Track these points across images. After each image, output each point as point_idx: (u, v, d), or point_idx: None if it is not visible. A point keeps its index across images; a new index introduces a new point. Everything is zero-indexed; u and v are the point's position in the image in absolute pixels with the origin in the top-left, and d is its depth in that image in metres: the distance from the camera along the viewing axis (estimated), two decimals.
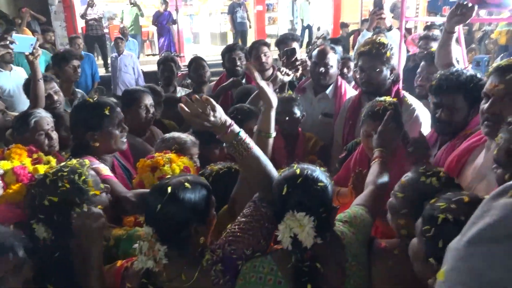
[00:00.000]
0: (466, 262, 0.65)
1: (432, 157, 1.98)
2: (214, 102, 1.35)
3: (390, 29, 3.68)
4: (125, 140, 2.06)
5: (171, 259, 1.28)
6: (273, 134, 1.57)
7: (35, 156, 1.81)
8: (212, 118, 1.34)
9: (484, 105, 1.55)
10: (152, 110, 2.61)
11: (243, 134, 1.40)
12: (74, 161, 1.61)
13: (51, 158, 1.86)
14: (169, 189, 1.27)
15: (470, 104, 1.84)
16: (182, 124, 2.93)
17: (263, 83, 1.57)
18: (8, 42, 2.45)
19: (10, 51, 2.54)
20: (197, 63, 3.82)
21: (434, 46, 3.52)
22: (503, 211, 0.64)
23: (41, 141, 2.27)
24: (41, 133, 2.28)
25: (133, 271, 1.35)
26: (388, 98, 2.00)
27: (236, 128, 1.40)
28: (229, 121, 1.39)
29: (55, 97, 2.92)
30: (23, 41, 2.61)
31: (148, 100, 2.61)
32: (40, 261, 1.38)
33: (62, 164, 1.60)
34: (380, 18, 3.37)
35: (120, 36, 7.61)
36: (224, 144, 1.60)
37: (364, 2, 13.15)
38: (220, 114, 1.36)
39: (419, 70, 2.97)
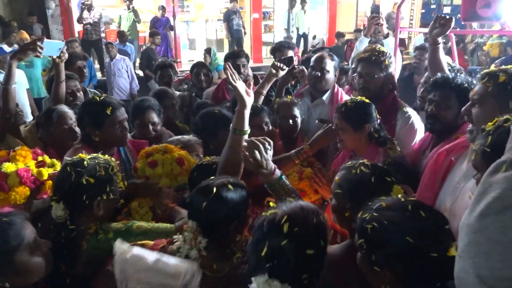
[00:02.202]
0: (482, 233, 0.71)
1: (424, 159, 2.07)
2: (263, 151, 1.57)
3: (386, 36, 3.76)
4: (124, 137, 2.17)
5: (209, 251, 1.37)
6: (248, 131, 1.69)
7: (40, 159, 1.86)
8: (264, 171, 1.59)
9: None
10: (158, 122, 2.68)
11: (284, 178, 1.63)
12: (106, 156, 1.75)
13: (55, 161, 1.92)
14: (214, 189, 1.37)
15: (461, 106, 1.92)
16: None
17: (239, 84, 1.69)
18: (38, 48, 2.53)
19: (39, 55, 2.61)
20: (199, 68, 3.88)
21: None
22: (505, 184, 0.72)
23: (65, 135, 2.41)
24: (65, 127, 2.41)
25: (171, 250, 1.42)
26: (361, 99, 2.16)
27: (278, 172, 1.63)
28: (273, 166, 1.61)
29: (78, 94, 3.03)
30: (52, 46, 2.72)
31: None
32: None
33: (94, 154, 1.72)
34: (378, 24, 3.44)
35: (110, 41, 7.66)
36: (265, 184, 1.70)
37: (359, 12, 13.36)
38: (269, 163, 1.58)
39: (422, 80, 2.97)
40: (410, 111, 2.49)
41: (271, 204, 1.35)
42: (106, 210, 1.66)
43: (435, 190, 1.77)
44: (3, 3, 10.95)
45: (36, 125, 2.59)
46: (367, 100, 2.17)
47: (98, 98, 2.14)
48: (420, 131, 2.42)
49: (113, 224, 1.68)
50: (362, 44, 3.55)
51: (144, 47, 9.55)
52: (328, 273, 1.34)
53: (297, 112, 2.67)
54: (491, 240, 0.69)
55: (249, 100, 1.70)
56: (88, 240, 1.59)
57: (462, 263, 0.74)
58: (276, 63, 2.71)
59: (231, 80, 1.70)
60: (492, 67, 1.69)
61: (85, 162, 1.62)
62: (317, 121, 2.93)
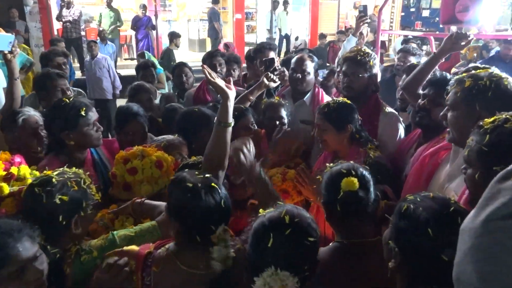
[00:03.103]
0: (486, 237, 0.71)
1: (410, 157, 2.11)
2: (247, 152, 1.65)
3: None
4: (100, 137, 2.12)
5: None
6: (232, 123, 1.72)
7: (12, 170, 1.72)
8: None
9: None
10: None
11: (263, 174, 1.68)
12: (73, 169, 1.62)
13: (27, 174, 1.77)
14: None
15: None
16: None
17: (218, 80, 1.74)
18: None
19: None
20: (180, 69, 3.82)
21: (412, 60, 3.65)
22: None
23: (31, 139, 2.28)
24: (30, 131, 2.28)
25: (159, 256, 1.39)
26: (344, 100, 2.20)
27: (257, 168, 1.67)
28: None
29: (68, 93, 2.90)
30: (2, 39, 2.57)
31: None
32: None
33: (60, 169, 1.58)
34: (365, 22, 3.47)
35: (93, 39, 7.51)
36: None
37: (341, 14, 13.49)
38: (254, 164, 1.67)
39: (400, 83, 3.00)
40: (392, 112, 2.53)
41: (261, 210, 1.32)
42: (84, 227, 1.55)
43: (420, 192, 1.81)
44: None
45: (1, 128, 2.44)
46: (348, 101, 2.20)
47: (67, 100, 2.06)
48: (402, 131, 2.47)
49: (93, 242, 1.57)
50: (350, 43, 3.57)
51: (125, 46, 9.41)
52: (317, 276, 1.36)
53: (284, 113, 2.68)
54: (496, 245, 0.69)
55: (231, 93, 1.73)
56: (71, 264, 1.47)
57: (463, 266, 0.74)
58: (270, 75, 2.71)
59: (210, 78, 1.73)
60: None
61: (54, 179, 1.47)
62: (299, 122, 2.95)
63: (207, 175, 1.45)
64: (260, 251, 1.17)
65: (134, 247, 1.44)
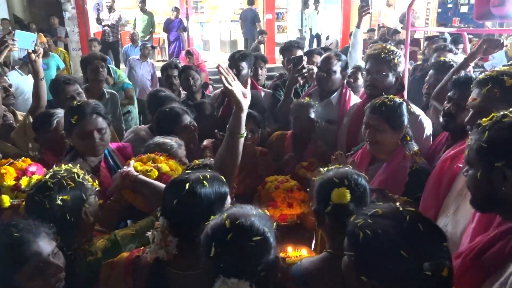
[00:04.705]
0: None
1: (437, 161, 2.02)
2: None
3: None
4: (95, 148, 2.05)
5: (181, 250, 1.32)
6: (244, 134, 1.68)
7: (22, 181, 1.72)
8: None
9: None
10: None
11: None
12: (63, 166, 1.64)
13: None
14: (187, 184, 1.31)
15: None
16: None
17: (234, 86, 1.64)
18: (10, 41, 2.51)
19: (15, 48, 2.58)
20: (186, 72, 3.81)
21: (450, 56, 3.53)
22: None
23: (61, 140, 2.35)
24: (63, 133, 2.33)
25: (144, 260, 1.39)
26: (395, 97, 2.08)
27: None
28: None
29: (78, 99, 2.93)
30: (25, 37, 2.65)
31: None
32: None
33: (50, 171, 1.60)
34: (367, 13, 3.40)
35: (148, 43, 7.76)
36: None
37: (374, 12, 13.20)
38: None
39: (427, 78, 2.95)
40: (418, 111, 2.46)
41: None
42: (94, 215, 1.60)
43: (439, 197, 1.74)
44: (23, 6, 11.23)
45: (33, 127, 2.52)
46: (401, 99, 2.10)
47: (74, 103, 2.09)
48: (428, 130, 2.39)
49: (98, 243, 1.60)
50: (356, 36, 3.51)
51: (158, 48, 9.61)
52: (303, 285, 1.35)
53: (312, 114, 2.67)
54: None
55: (246, 103, 1.68)
56: (79, 265, 1.50)
57: None
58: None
59: (226, 83, 1.64)
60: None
61: (49, 183, 1.48)
62: (324, 122, 2.92)
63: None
64: (208, 261, 1.13)
65: (123, 255, 1.46)
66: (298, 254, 1.83)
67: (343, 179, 1.37)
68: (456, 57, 3.51)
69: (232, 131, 1.67)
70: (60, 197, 1.47)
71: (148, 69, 6.95)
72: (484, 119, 1.20)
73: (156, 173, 1.82)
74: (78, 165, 1.68)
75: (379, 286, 1.02)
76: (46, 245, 1.31)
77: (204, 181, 1.32)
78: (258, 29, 10.45)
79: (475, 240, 1.30)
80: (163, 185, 1.64)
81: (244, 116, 1.67)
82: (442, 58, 3.06)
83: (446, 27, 7.79)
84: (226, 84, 1.64)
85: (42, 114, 2.51)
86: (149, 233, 1.37)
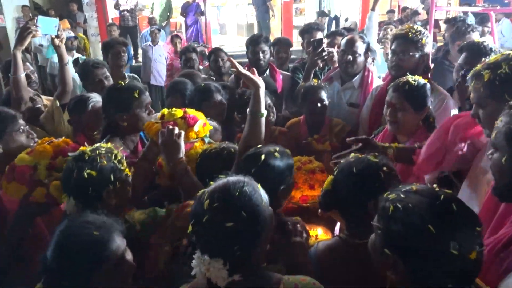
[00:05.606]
0: None
1: None
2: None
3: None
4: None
5: None
6: (265, 113, 1.76)
7: (58, 160, 1.79)
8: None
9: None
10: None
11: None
12: (108, 144, 1.72)
13: None
14: (263, 156, 1.50)
15: None
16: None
17: (245, 72, 1.75)
18: (33, 27, 2.54)
19: (39, 35, 2.62)
20: (216, 54, 3.86)
21: (474, 36, 3.41)
22: None
23: (95, 123, 2.41)
24: (96, 116, 2.41)
25: None
26: (420, 78, 2.05)
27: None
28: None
29: (106, 82, 3.02)
30: (47, 22, 2.68)
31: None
32: None
33: (97, 144, 1.69)
34: None
35: (157, 27, 7.78)
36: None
37: None
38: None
39: (457, 63, 2.64)
40: (444, 92, 2.42)
41: None
42: (119, 198, 1.65)
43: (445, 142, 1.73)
44: None
45: (68, 110, 2.62)
46: (426, 80, 2.08)
47: (122, 83, 2.15)
48: (455, 112, 2.33)
49: (136, 214, 1.67)
50: (372, 19, 3.43)
51: (175, 33, 9.60)
52: (317, 267, 1.40)
53: (324, 95, 2.65)
54: None
55: (261, 82, 1.75)
56: None
57: None
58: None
59: (239, 70, 1.75)
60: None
61: (86, 156, 1.60)
62: (346, 105, 2.89)
63: None
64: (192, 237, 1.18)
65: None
66: (315, 233, 1.85)
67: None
68: (484, 38, 3.40)
69: (253, 111, 1.74)
70: (88, 171, 1.54)
71: (160, 52, 6.95)
72: None
73: (181, 112, 1.90)
74: (121, 148, 1.77)
75: (401, 261, 1.02)
76: (121, 242, 1.33)
77: (276, 153, 1.52)
78: (269, 8, 10.29)
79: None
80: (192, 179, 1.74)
81: (262, 94, 1.74)
82: (476, 40, 2.91)
83: (470, 7, 7.53)
84: (239, 69, 1.75)
85: (77, 97, 2.59)
86: None
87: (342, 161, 1.51)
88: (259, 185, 1.20)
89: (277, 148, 1.57)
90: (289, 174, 1.57)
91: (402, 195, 1.05)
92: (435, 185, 1.09)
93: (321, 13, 9.91)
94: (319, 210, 1.56)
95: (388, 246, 1.03)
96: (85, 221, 1.30)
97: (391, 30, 5.08)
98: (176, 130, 1.80)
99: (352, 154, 1.52)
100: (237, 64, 1.77)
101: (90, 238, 1.25)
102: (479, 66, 1.48)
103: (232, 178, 1.19)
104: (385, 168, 1.41)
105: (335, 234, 1.72)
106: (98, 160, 1.59)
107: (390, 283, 1.11)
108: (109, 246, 1.27)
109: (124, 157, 1.72)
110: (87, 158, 1.59)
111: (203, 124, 1.91)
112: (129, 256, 1.34)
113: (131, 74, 3.84)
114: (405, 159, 1.89)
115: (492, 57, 1.48)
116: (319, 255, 1.46)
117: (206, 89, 2.67)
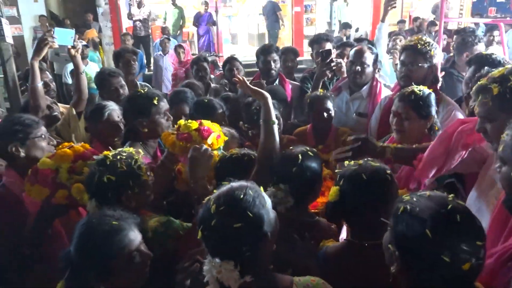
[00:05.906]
0: None
1: None
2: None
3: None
4: (170, 126, 2.24)
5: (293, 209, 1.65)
6: (276, 121, 1.89)
7: (78, 163, 1.83)
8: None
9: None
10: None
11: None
12: (130, 149, 1.79)
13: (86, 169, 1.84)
14: (300, 156, 1.68)
15: None
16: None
17: (252, 87, 1.96)
18: (49, 38, 2.64)
19: (55, 46, 2.71)
20: (231, 63, 3.92)
21: (480, 48, 3.43)
22: None
23: (112, 131, 2.48)
24: (112, 124, 2.48)
25: None
26: (424, 88, 2.10)
27: None
28: None
29: (121, 91, 3.10)
30: (63, 33, 2.78)
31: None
32: None
33: (120, 149, 1.76)
34: (393, 7, 3.35)
35: (167, 36, 7.93)
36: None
37: (405, 3, 12.90)
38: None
39: (469, 75, 2.60)
40: (452, 103, 2.44)
41: None
42: (138, 202, 1.71)
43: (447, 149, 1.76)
44: (58, 2, 11.63)
45: (85, 118, 2.69)
46: (431, 90, 2.13)
47: (142, 90, 2.24)
48: None
49: (151, 222, 1.69)
50: (381, 31, 3.47)
51: (187, 42, 9.78)
52: (326, 269, 1.44)
53: (330, 105, 2.69)
54: None
55: (266, 92, 1.91)
56: None
57: None
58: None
59: (246, 86, 1.97)
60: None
61: (108, 160, 1.67)
62: (354, 114, 2.93)
63: None
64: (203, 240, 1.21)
65: None
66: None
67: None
68: (491, 49, 3.42)
69: (265, 120, 1.86)
70: (107, 176, 1.62)
71: (170, 61, 7.06)
72: None
73: (196, 124, 1.93)
74: (142, 153, 1.81)
75: (399, 258, 1.09)
76: (138, 234, 1.39)
77: (310, 152, 1.71)
78: (279, 18, 10.44)
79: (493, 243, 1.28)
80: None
81: (270, 104, 1.87)
82: (483, 52, 2.93)
83: (481, 18, 7.54)
84: (245, 86, 1.97)
85: (95, 106, 2.65)
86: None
87: (342, 170, 1.55)
88: (261, 188, 1.25)
89: (309, 149, 1.74)
90: (320, 171, 1.75)
91: (415, 198, 1.11)
92: (451, 195, 1.12)
93: (345, 25, 9.95)
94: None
95: (393, 243, 1.11)
96: (104, 214, 1.38)
97: (400, 40, 5.11)
98: (209, 151, 1.82)
99: (351, 162, 1.56)
100: (242, 80, 1.98)
101: (110, 228, 1.32)
102: (483, 80, 1.48)
103: (236, 184, 1.24)
104: (388, 171, 1.48)
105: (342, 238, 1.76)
106: (119, 166, 1.65)
107: (393, 277, 1.14)
108: (128, 234, 1.34)
109: (145, 163, 1.78)
110: (108, 162, 1.66)
111: (217, 136, 1.94)
112: (144, 247, 1.40)
113: (143, 83, 3.92)
114: (403, 159, 1.93)
115: (496, 71, 1.48)
116: (328, 257, 1.51)
117: (209, 105, 2.67)
